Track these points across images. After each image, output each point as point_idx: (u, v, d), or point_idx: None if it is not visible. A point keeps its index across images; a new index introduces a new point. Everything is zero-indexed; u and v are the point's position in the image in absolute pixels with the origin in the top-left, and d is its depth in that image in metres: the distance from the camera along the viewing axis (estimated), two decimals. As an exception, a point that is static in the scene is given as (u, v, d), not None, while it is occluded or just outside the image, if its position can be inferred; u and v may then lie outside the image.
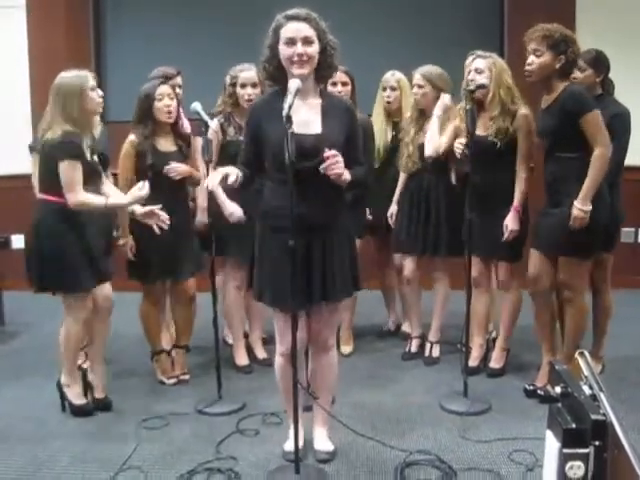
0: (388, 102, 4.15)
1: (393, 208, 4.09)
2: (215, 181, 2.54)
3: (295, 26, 2.52)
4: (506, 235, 3.49)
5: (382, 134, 4.15)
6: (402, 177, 4.06)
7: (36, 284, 3.19)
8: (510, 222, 3.49)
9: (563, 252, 3.24)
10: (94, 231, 3.25)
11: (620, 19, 5.31)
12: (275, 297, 2.69)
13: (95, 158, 3.29)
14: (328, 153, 2.48)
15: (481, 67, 3.48)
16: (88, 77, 3.16)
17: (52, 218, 3.16)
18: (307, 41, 2.51)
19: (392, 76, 4.12)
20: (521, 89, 3.53)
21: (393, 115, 4.17)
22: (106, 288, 3.36)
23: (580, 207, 3.10)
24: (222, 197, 3.51)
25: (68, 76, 3.14)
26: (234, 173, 2.56)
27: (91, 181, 3.17)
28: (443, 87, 3.79)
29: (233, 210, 3.55)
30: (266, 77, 2.72)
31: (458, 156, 3.57)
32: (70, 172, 3.07)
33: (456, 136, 3.65)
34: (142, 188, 3.12)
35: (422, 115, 3.90)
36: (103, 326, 3.41)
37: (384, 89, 4.16)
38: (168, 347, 3.83)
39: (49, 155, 3.11)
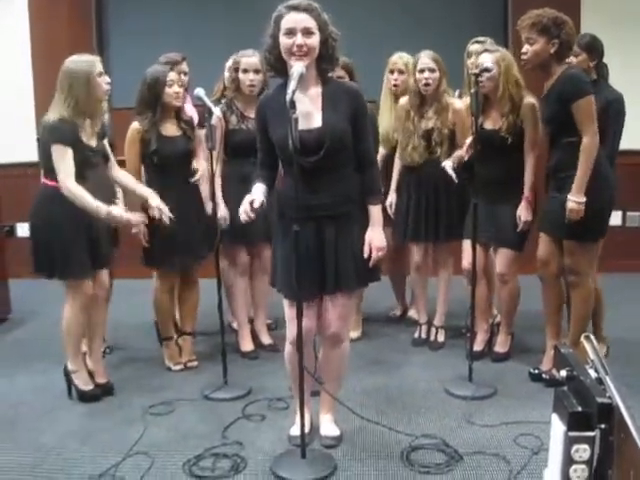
0: (395, 85, 4.08)
1: (392, 197, 4.02)
2: (247, 210, 2.55)
3: (295, 17, 2.48)
4: (520, 226, 3.48)
5: (390, 118, 4.09)
6: (399, 165, 4.01)
7: (33, 265, 3.22)
8: (523, 213, 3.47)
9: (568, 236, 3.23)
10: (90, 219, 3.22)
11: (626, 3, 5.27)
12: (283, 284, 2.70)
13: (105, 143, 3.30)
14: (372, 260, 2.61)
15: (489, 64, 3.38)
16: (96, 62, 3.15)
17: (49, 202, 3.17)
18: (307, 32, 2.47)
19: (400, 59, 4.05)
20: (527, 77, 3.49)
21: (400, 99, 4.11)
22: (102, 276, 3.36)
23: (574, 199, 3.09)
24: (218, 194, 3.63)
25: (77, 60, 3.13)
26: (259, 199, 2.56)
27: (90, 167, 3.15)
28: (446, 71, 3.76)
29: (224, 215, 3.64)
30: (267, 67, 2.70)
31: (466, 157, 3.55)
32: (59, 157, 3.06)
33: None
34: (138, 223, 3.27)
35: (423, 102, 3.85)
36: (98, 313, 3.41)
37: (391, 72, 4.09)
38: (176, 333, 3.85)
39: (44, 138, 3.13)
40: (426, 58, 3.76)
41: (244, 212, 2.57)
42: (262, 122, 2.67)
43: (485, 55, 3.46)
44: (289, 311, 2.73)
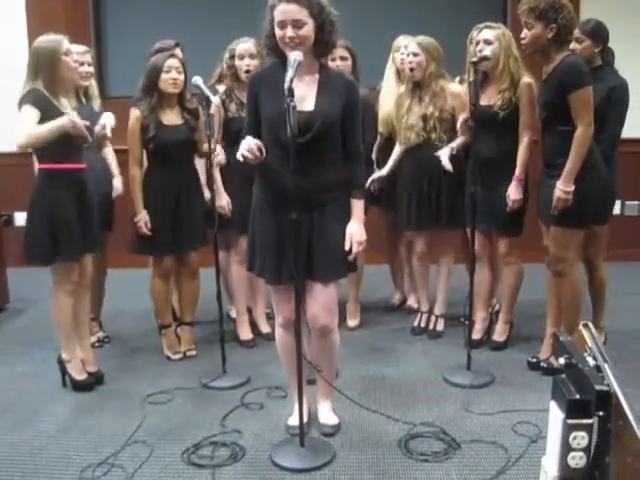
0: (403, 61, 4.03)
1: (380, 172, 3.97)
2: (253, 150, 2.44)
3: (285, 8, 2.44)
4: (510, 205, 3.47)
5: (393, 100, 4.05)
6: (398, 150, 3.99)
7: (23, 253, 3.19)
8: (512, 192, 3.46)
9: (555, 222, 3.23)
10: (82, 202, 3.21)
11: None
12: (262, 268, 2.70)
13: (92, 128, 3.27)
14: (352, 254, 2.60)
15: (490, 38, 3.43)
16: (62, 41, 3.11)
17: (38, 186, 3.16)
18: (298, 24, 2.45)
19: (405, 38, 4.03)
20: (526, 59, 3.48)
21: (404, 80, 4.07)
22: (87, 263, 3.34)
23: (562, 188, 3.08)
24: (218, 183, 3.62)
25: (42, 40, 3.11)
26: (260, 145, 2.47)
27: (74, 141, 3.10)
28: (436, 56, 3.74)
29: (224, 204, 3.65)
30: (268, 51, 2.66)
31: (459, 131, 3.54)
32: (23, 116, 3.01)
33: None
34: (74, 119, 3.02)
35: (417, 86, 3.83)
36: (87, 302, 3.41)
37: (397, 49, 4.09)
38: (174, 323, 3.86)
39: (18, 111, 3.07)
40: (410, 43, 3.77)
41: (249, 150, 2.44)
42: (254, 98, 2.63)
43: (487, 31, 3.47)
44: (275, 295, 2.76)
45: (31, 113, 3.00)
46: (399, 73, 4.12)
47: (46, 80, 3.07)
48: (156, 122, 3.49)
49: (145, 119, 3.48)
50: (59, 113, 3.05)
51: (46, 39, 3.11)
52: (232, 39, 3.80)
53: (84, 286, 3.36)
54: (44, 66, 3.06)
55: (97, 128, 3.37)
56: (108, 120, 3.51)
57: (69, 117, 2.98)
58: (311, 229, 2.60)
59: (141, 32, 5.33)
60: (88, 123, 3.10)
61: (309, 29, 2.48)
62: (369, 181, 3.95)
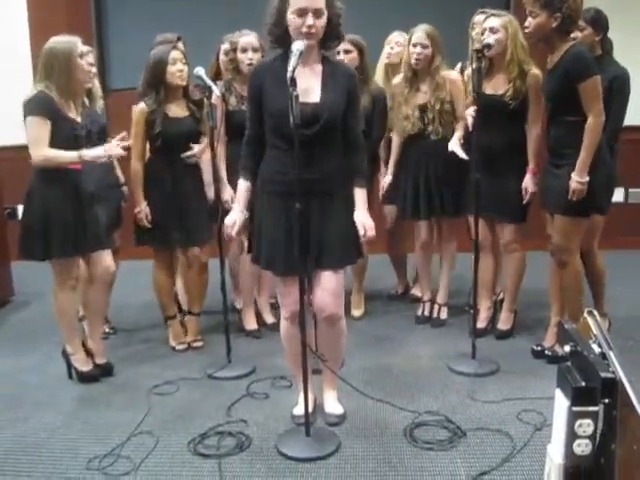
0: (390, 55, 4.07)
1: (388, 178, 4.01)
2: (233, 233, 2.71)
3: None
4: (527, 198, 3.47)
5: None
6: (397, 142, 3.97)
7: (18, 248, 3.21)
8: (529, 185, 3.47)
9: (561, 211, 3.22)
10: (86, 198, 3.21)
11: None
12: (269, 260, 2.69)
13: (92, 128, 3.29)
14: (365, 238, 2.63)
15: (496, 26, 3.39)
16: (77, 43, 3.10)
17: (34, 183, 3.16)
18: (318, 13, 2.44)
19: (400, 35, 4.05)
20: (531, 49, 3.45)
21: (395, 75, 4.06)
22: (105, 259, 3.33)
23: (578, 179, 3.07)
24: (223, 175, 3.63)
25: (57, 41, 3.09)
26: (237, 223, 2.68)
27: (79, 142, 3.13)
28: (442, 48, 3.72)
29: (227, 198, 3.60)
30: (271, 41, 2.62)
31: (470, 127, 3.50)
32: (34, 128, 3.03)
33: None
34: (118, 145, 3.10)
35: (416, 75, 3.80)
36: (100, 296, 3.41)
37: (389, 43, 4.10)
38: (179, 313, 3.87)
39: (23, 115, 3.08)
40: (420, 32, 3.71)
41: (228, 233, 2.72)
42: (257, 91, 2.61)
43: (493, 19, 3.43)
44: (281, 287, 2.75)
45: (42, 126, 3.02)
46: (387, 68, 4.13)
47: (60, 82, 3.05)
48: (163, 116, 3.48)
49: (151, 114, 3.47)
50: (67, 122, 3.08)
51: (61, 40, 3.09)
52: (233, 32, 3.78)
53: (99, 280, 3.35)
54: (59, 68, 3.05)
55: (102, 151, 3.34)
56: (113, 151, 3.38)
57: (83, 157, 3.05)
58: (319, 218, 2.60)
59: (142, 24, 5.31)
60: (105, 149, 3.09)
61: (325, 20, 2.48)
62: (382, 189, 4.00)
